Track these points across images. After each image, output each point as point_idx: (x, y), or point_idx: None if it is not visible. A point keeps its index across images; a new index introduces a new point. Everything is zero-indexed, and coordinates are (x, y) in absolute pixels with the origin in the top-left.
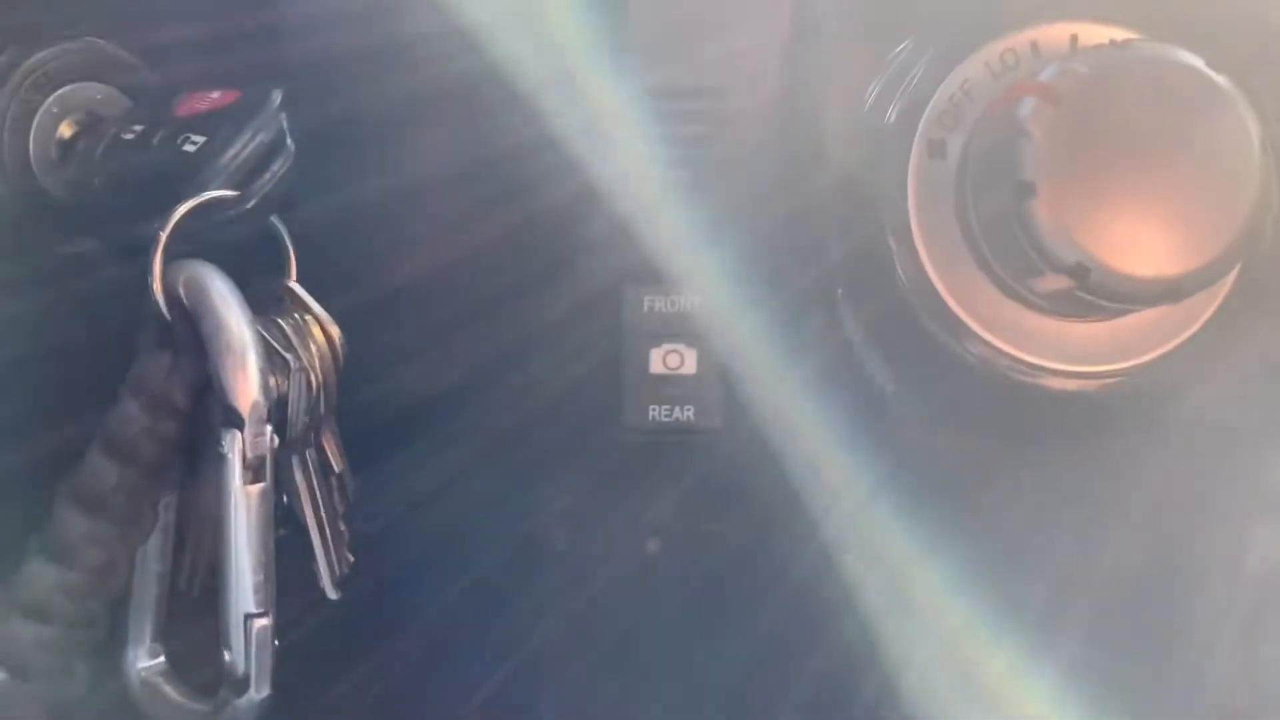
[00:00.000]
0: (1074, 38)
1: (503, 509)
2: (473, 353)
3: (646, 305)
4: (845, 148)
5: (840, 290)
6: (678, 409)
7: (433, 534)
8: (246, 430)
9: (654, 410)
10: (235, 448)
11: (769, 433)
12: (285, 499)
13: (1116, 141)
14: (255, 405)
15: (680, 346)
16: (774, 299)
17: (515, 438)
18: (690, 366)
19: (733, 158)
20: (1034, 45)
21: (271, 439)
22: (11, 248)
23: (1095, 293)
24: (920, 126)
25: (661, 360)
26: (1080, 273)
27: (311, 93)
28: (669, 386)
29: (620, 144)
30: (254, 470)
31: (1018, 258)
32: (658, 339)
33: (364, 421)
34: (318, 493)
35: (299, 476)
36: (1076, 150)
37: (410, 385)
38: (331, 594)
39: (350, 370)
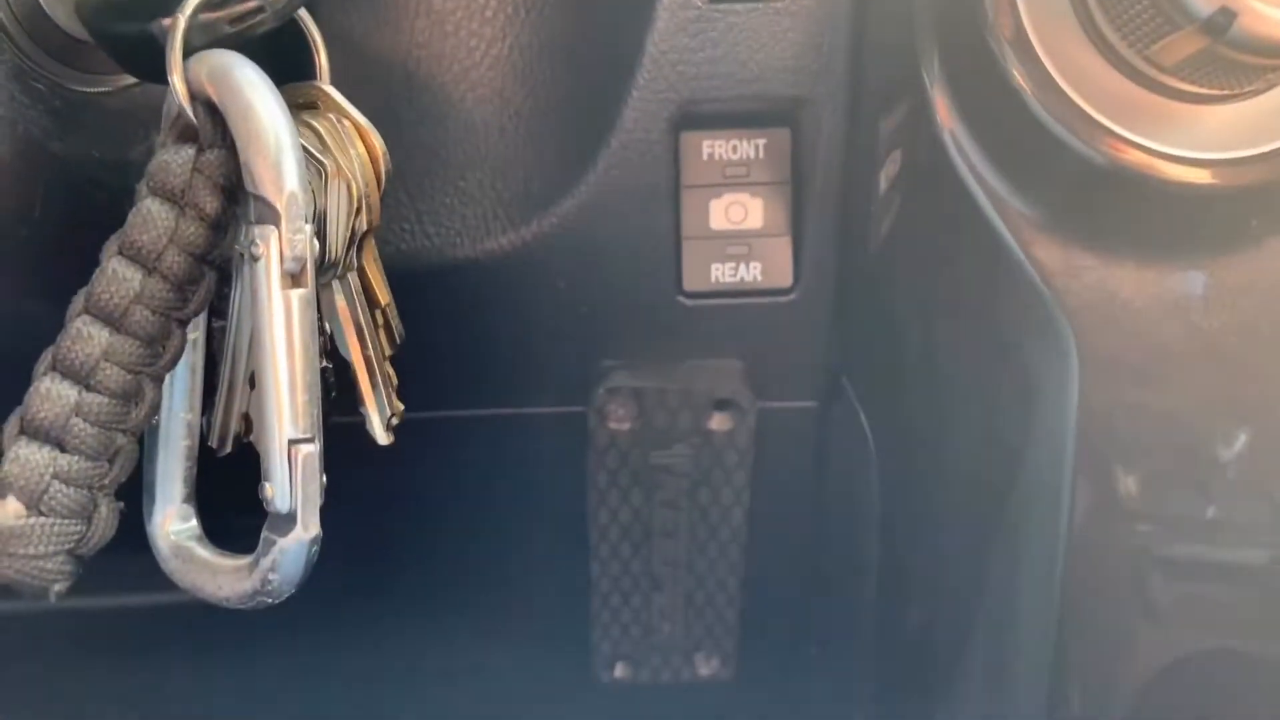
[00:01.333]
0: None
1: (564, 390)
2: (519, 209)
3: (706, 152)
4: None
5: (930, 80)
6: (743, 267)
7: (481, 424)
8: (284, 225)
9: (717, 270)
10: (272, 246)
11: (847, 300)
12: (327, 328)
13: None
14: (292, 197)
15: (744, 197)
16: (857, 127)
17: (573, 305)
18: (756, 219)
19: None
20: None
21: (311, 242)
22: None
23: (1242, 45)
24: None
25: (724, 213)
26: (1222, 20)
27: None
28: (733, 243)
29: None
30: (293, 275)
31: (1142, 18)
32: (718, 189)
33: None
34: (364, 325)
35: (342, 303)
36: None
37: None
38: (383, 439)
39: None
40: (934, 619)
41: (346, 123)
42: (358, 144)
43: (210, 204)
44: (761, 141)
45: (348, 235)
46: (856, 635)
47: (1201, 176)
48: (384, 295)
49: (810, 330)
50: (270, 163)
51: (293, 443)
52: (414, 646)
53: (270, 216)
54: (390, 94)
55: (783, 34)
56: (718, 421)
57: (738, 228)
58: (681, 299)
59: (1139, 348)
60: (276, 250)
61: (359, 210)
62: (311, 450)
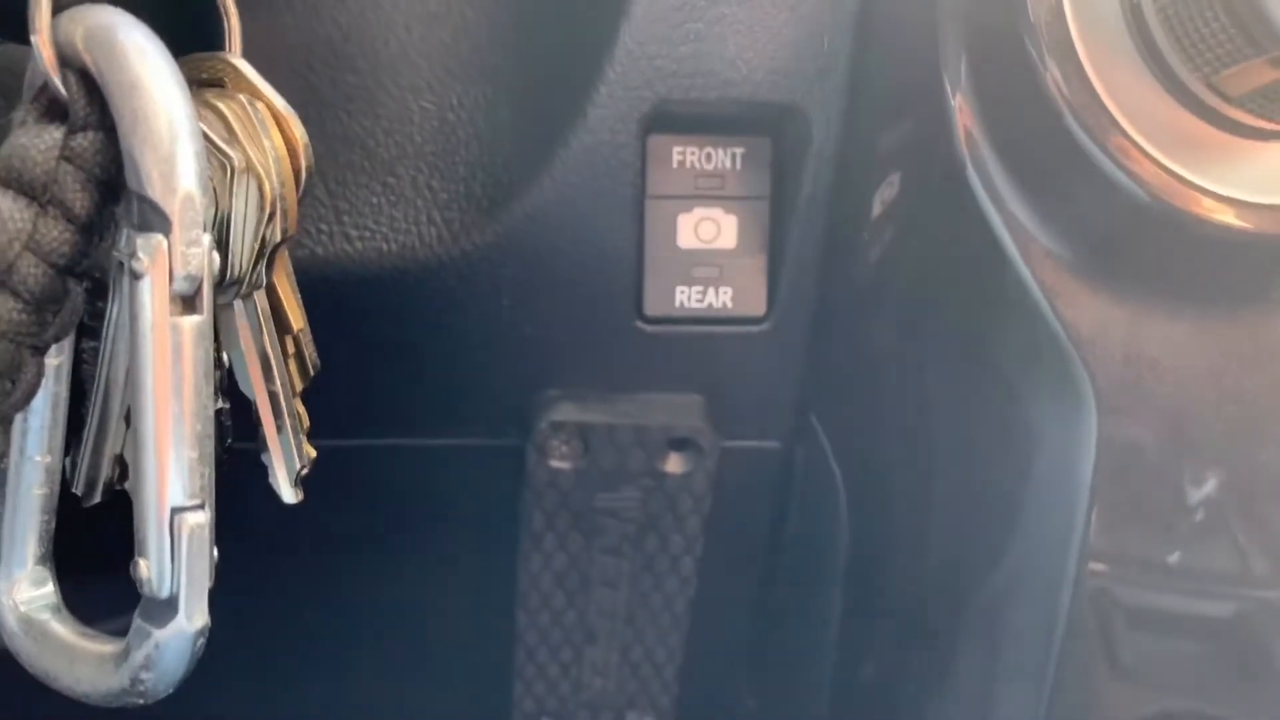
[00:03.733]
0: None
1: (500, 420)
2: (457, 212)
3: (676, 159)
4: None
5: (957, 107)
6: (711, 292)
7: (405, 455)
8: (176, 235)
9: (682, 294)
10: (158, 261)
11: (823, 331)
12: (225, 359)
13: None
14: (188, 199)
15: (717, 212)
16: (853, 138)
17: (517, 326)
18: (729, 238)
19: None
20: None
21: (211, 256)
22: None
23: None
24: None
25: (693, 230)
26: None
27: None
28: (701, 264)
29: None
30: (185, 298)
31: (1214, 38)
32: (688, 202)
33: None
34: (271, 355)
35: (245, 328)
36: None
37: (374, 241)
38: (289, 496)
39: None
40: (899, 677)
41: (260, 106)
42: (273, 133)
43: (80, 202)
44: (739, 150)
45: (256, 246)
46: (808, 692)
47: (1259, 222)
48: (297, 319)
49: (781, 364)
50: (161, 154)
51: (176, 511)
52: (322, 696)
53: (159, 223)
54: (311, 72)
55: (778, 30)
56: (673, 463)
57: (708, 247)
58: (641, 325)
59: (1165, 410)
60: (165, 266)
61: (271, 215)
62: (200, 521)
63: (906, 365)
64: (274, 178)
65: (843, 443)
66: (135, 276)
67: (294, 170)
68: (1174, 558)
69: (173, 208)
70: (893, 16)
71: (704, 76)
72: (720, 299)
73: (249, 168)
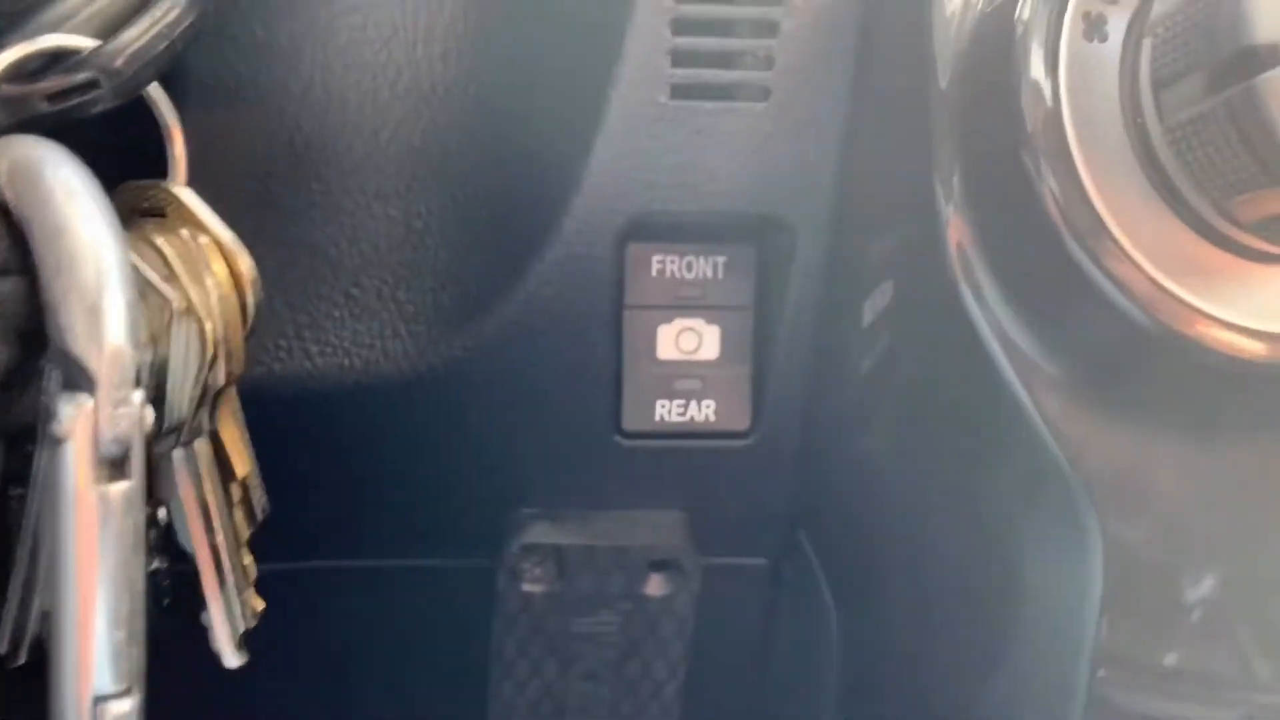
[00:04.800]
0: None
1: (471, 540)
2: (425, 325)
3: (656, 268)
4: (960, 41)
5: (950, 224)
6: (693, 406)
7: (369, 577)
8: (102, 395)
9: (663, 408)
10: (82, 424)
11: (811, 445)
12: (163, 514)
13: None
14: (117, 356)
15: (699, 323)
16: (841, 249)
17: (488, 442)
18: (711, 349)
19: (795, 53)
20: None
21: (143, 414)
22: None
23: None
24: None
25: (674, 341)
26: None
27: None
28: (683, 376)
29: (639, 25)
30: (114, 461)
31: (1227, 165)
32: (668, 313)
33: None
34: (211, 506)
35: (184, 480)
36: None
37: (341, 365)
38: (231, 659)
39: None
40: None
41: (204, 240)
42: (217, 267)
43: None
44: (721, 259)
45: (197, 392)
46: None
47: (1268, 350)
48: (243, 464)
49: (767, 479)
50: (87, 306)
51: (100, 700)
52: None
53: (84, 381)
54: (272, 179)
55: (762, 141)
56: (654, 585)
57: (689, 358)
58: (619, 439)
59: (1169, 540)
60: (89, 430)
61: (214, 359)
62: (126, 709)
63: (902, 482)
64: (217, 318)
65: (833, 560)
66: (56, 441)
67: (241, 307)
68: (1176, 661)
69: (99, 366)
70: (883, 125)
71: (684, 188)
72: (703, 412)
73: (189, 309)
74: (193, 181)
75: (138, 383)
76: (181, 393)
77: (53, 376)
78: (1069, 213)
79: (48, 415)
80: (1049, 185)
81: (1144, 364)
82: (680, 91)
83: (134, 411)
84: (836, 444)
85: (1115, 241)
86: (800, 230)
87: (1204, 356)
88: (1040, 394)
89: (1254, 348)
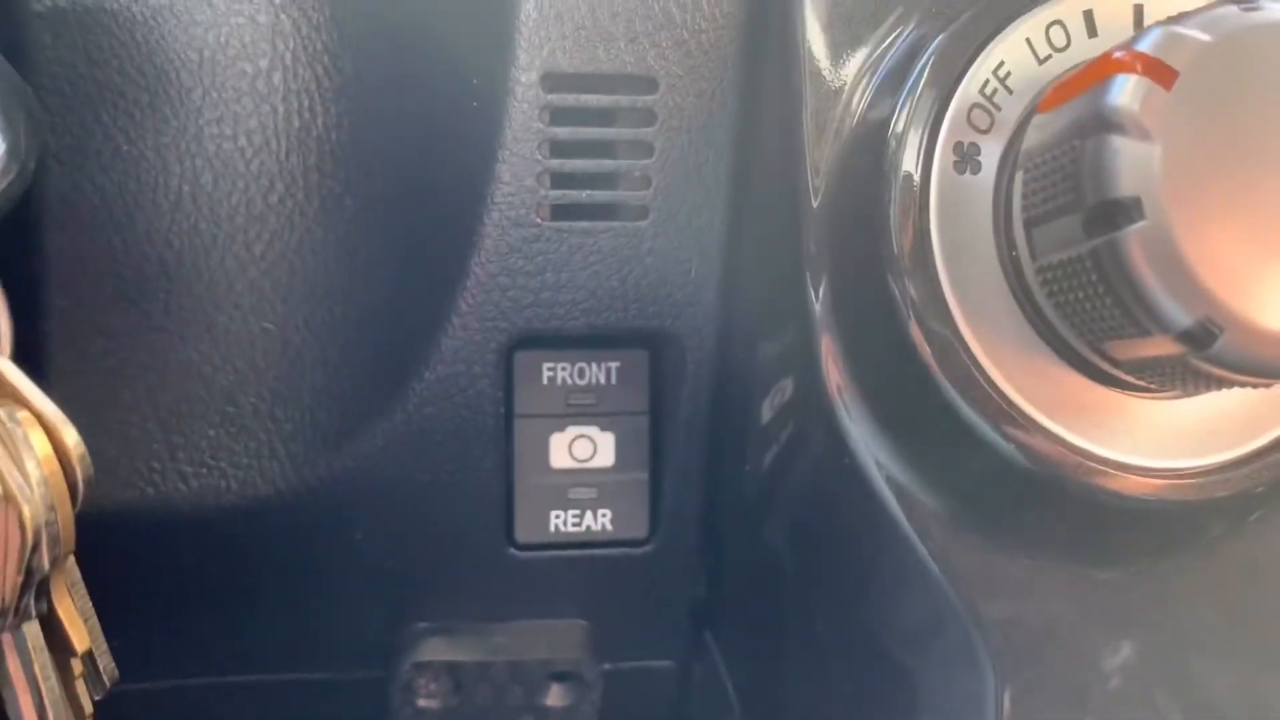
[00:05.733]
0: (1138, 8)
1: (362, 653)
2: (303, 444)
3: (546, 375)
4: (832, 162)
5: (824, 350)
6: (589, 515)
7: (258, 691)
8: None
9: (557, 518)
10: None
11: (712, 547)
12: None
13: (1253, 140)
14: None
15: (593, 430)
16: (729, 357)
17: (374, 559)
18: (606, 457)
19: (671, 172)
20: (1088, 16)
21: None
22: None
23: (1224, 363)
24: (943, 129)
25: (567, 449)
26: (1203, 336)
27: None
28: (577, 485)
29: (511, 149)
30: None
31: (1097, 312)
32: (560, 421)
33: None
34: (43, 687)
35: (14, 665)
36: (1199, 153)
37: (208, 494)
38: None
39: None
40: None
41: (23, 417)
42: (39, 445)
43: None
44: (614, 364)
45: (20, 580)
46: None
47: (1155, 488)
48: (82, 639)
49: (668, 584)
50: None
51: None
52: None
53: None
54: (143, 297)
55: (641, 258)
56: (555, 696)
57: (584, 466)
58: (513, 552)
59: (1072, 670)
60: None
61: (37, 545)
62: None
63: (801, 579)
64: (38, 504)
65: (737, 660)
66: None
67: (69, 484)
68: None
69: None
70: (762, 237)
71: (564, 306)
72: (599, 522)
73: (6, 499)
74: (61, 301)
75: None
76: (2, 581)
77: None
78: (938, 346)
79: None
80: (916, 317)
81: (1028, 502)
82: (559, 213)
83: None
84: (737, 543)
85: (990, 379)
86: (688, 339)
87: (1091, 495)
88: (924, 525)
89: (1142, 484)
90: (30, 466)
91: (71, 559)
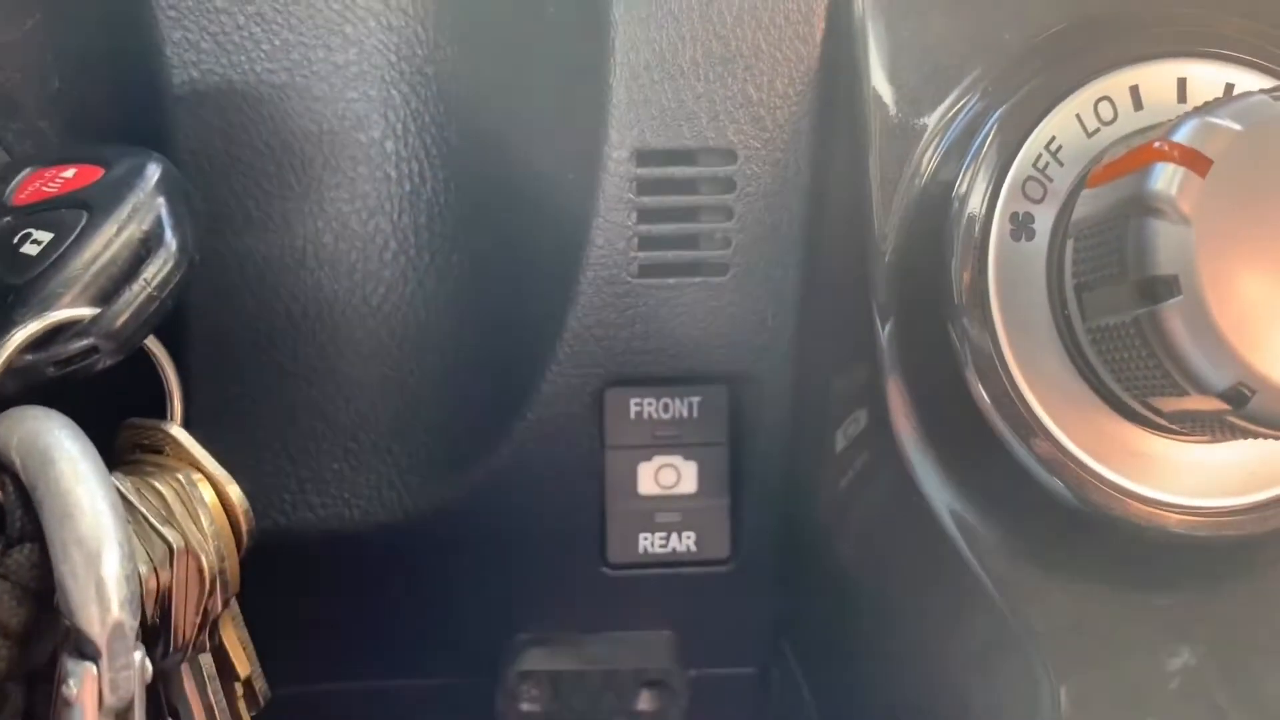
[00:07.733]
0: (1181, 82)
1: (470, 661)
2: (419, 477)
3: (634, 411)
4: (899, 220)
5: (891, 389)
6: (675, 537)
7: (378, 696)
8: (105, 663)
9: (645, 540)
10: (89, 688)
11: (789, 565)
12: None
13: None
14: (117, 629)
15: (676, 459)
16: (804, 392)
17: (482, 578)
18: (689, 484)
19: (749, 233)
20: (1134, 90)
21: (144, 669)
22: None
23: (1257, 420)
24: (1000, 200)
25: (654, 478)
26: (1238, 397)
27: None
28: (663, 510)
29: (605, 216)
30: (118, 713)
31: (1143, 372)
32: (647, 451)
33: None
34: (216, 708)
35: (189, 688)
36: (1232, 234)
37: (342, 524)
38: None
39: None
40: None
41: (198, 480)
42: (211, 502)
43: (15, 618)
44: (696, 400)
45: (198, 620)
46: None
47: (1196, 525)
48: (244, 666)
49: (749, 598)
50: (91, 584)
51: None
52: None
53: (88, 649)
54: (273, 348)
55: (721, 309)
56: (645, 701)
57: (669, 493)
58: (606, 570)
59: (1129, 672)
60: (94, 691)
61: (212, 589)
62: None
63: (868, 596)
64: (212, 554)
65: (815, 669)
66: (66, 703)
67: (236, 536)
68: None
69: (102, 639)
70: (833, 291)
71: (652, 354)
72: (684, 543)
73: (187, 550)
74: (202, 350)
75: (137, 643)
76: (184, 618)
77: (62, 638)
78: (994, 392)
79: (60, 679)
80: (975, 365)
81: (1081, 536)
82: (647, 271)
83: (133, 674)
84: (813, 561)
85: (1041, 424)
86: (765, 378)
87: (1139, 533)
88: (983, 552)
89: (1186, 521)
90: (205, 522)
91: (233, 607)
